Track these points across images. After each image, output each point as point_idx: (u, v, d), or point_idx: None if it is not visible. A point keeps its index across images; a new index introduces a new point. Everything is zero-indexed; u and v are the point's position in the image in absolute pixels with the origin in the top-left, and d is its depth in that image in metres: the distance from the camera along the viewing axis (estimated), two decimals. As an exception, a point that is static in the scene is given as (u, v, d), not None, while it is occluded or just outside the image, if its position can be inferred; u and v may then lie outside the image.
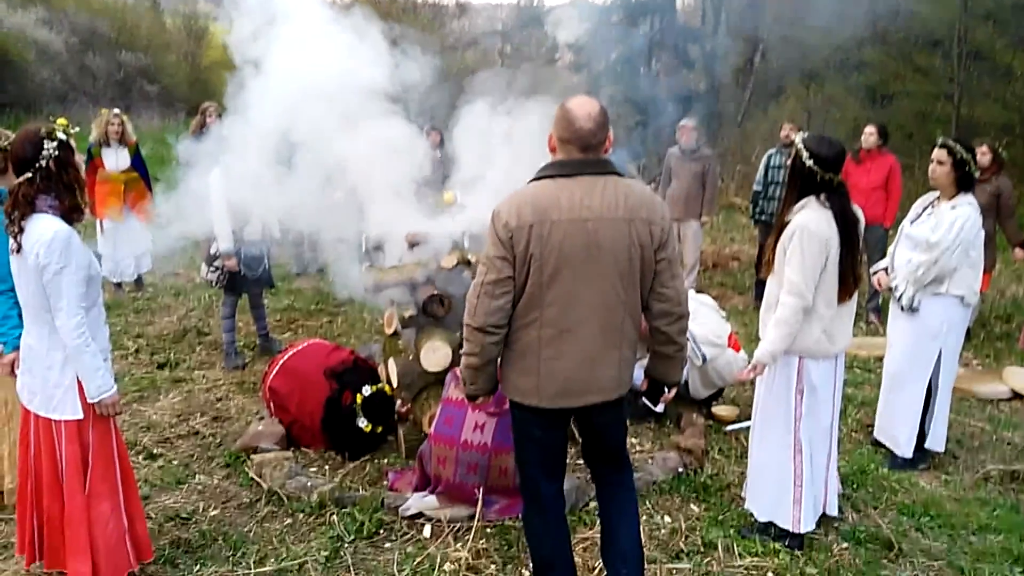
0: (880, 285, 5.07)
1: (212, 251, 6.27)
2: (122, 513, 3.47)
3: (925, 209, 4.92)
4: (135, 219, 8.22)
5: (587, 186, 2.88)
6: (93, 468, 3.36)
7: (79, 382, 3.29)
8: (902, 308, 4.82)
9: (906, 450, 4.90)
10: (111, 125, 8.08)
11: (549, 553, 3.30)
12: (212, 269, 6.27)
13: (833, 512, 4.15)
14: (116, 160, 8.09)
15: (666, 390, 3.34)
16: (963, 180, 4.70)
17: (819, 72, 21.27)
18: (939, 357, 4.82)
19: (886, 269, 5.04)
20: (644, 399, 3.50)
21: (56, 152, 3.23)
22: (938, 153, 4.74)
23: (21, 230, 3.20)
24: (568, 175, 2.90)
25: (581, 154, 2.91)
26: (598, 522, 4.11)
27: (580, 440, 3.42)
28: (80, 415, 3.31)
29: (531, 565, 3.46)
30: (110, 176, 8.04)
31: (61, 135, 3.28)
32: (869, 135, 7.85)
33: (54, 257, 3.13)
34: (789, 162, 4.00)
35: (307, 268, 9.61)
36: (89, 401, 3.29)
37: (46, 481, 3.37)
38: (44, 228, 3.18)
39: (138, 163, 8.25)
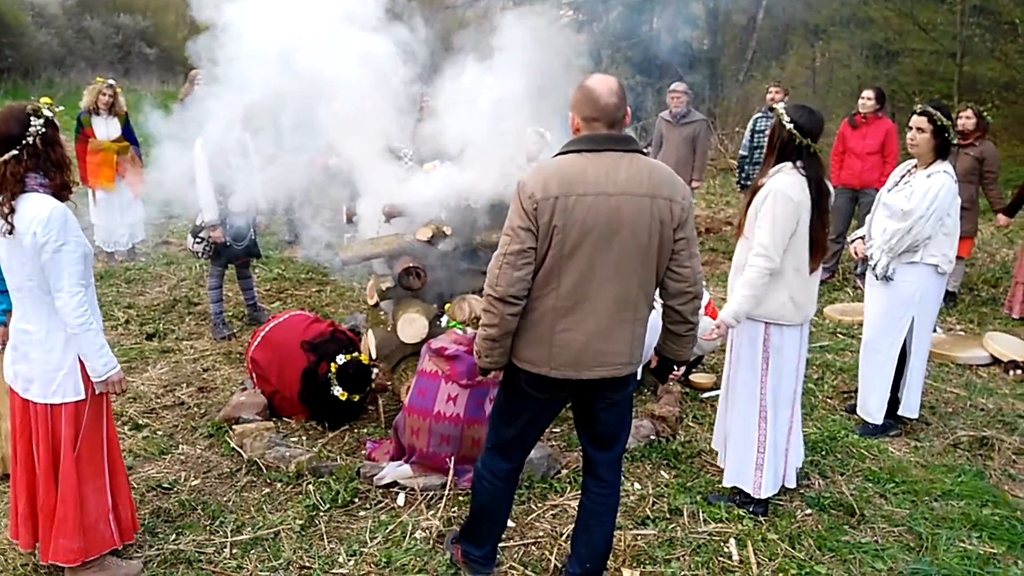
0: (857, 253, 5.10)
1: (197, 222, 6.32)
2: (107, 492, 3.51)
3: (903, 177, 4.93)
4: (127, 188, 8.28)
5: (613, 162, 2.91)
6: (81, 448, 3.38)
7: (80, 363, 3.30)
8: (876, 277, 4.86)
9: (876, 416, 4.97)
10: (103, 95, 8.09)
11: (489, 505, 3.42)
12: (197, 240, 6.32)
13: (791, 484, 4.21)
14: (107, 129, 8.13)
15: (675, 367, 3.37)
16: (942, 147, 4.71)
17: (823, 29, 21.01)
18: (912, 325, 4.86)
19: (863, 238, 5.07)
20: (652, 375, 3.55)
21: (43, 129, 3.19)
22: (917, 120, 4.74)
23: (12, 210, 3.13)
24: (595, 150, 2.93)
25: (607, 130, 2.96)
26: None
27: (575, 419, 3.38)
28: (82, 396, 3.32)
29: (469, 511, 3.55)
30: (101, 145, 8.08)
31: (47, 112, 3.25)
32: (867, 100, 7.81)
33: (52, 235, 3.09)
34: (769, 129, 4.05)
35: (299, 237, 9.65)
36: (95, 380, 3.30)
37: (43, 467, 3.36)
38: (39, 206, 3.12)
39: (128, 132, 8.28)
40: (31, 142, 3.18)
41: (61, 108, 3.46)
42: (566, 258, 2.89)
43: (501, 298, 2.91)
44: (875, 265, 4.85)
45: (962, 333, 7.03)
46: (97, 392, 3.40)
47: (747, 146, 8.49)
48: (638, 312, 3.05)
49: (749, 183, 8.27)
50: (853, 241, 5.16)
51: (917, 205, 4.63)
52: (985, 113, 7.26)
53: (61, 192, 3.26)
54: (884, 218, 4.88)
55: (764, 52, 21.49)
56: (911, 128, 4.78)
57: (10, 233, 3.15)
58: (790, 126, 3.88)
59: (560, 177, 2.87)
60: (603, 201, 2.86)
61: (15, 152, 3.17)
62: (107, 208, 8.34)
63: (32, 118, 3.20)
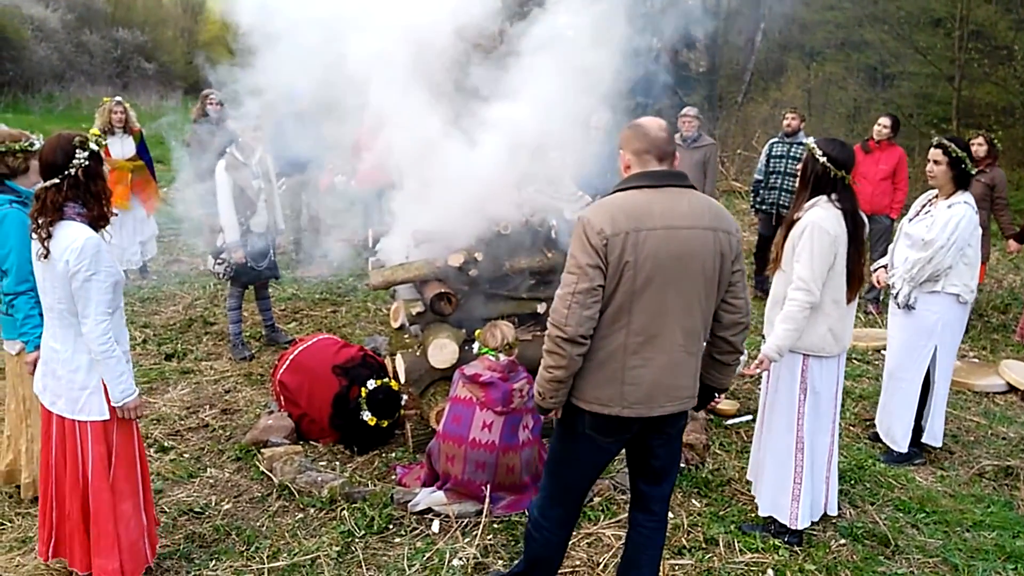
0: (879, 283, 5.15)
1: (218, 243, 6.33)
2: (142, 511, 3.57)
3: (924, 207, 4.99)
4: (140, 207, 8.27)
5: (674, 197, 2.93)
6: (116, 468, 3.45)
7: (104, 384, 3.37)
8: (898, 306, 4.91)
9: (902, 444, 5.01)
10: (114, 113, 8.08)
11: (545, 555, 3.37)
12: (218, 261, 6.33)
13: (833, 512, 4.25)
14: (121, 148, 8.13)
15: (716, 395, 3.36)
16: (960, 178, 4.78)
17: (820, 51, 21.25)
18: (935, 353, 4.91)
19: (885, 266, 5.13)
20: None
21: (87, 162, 3.27)
22: (933, 153, 4.82)
23: (49, 235, 3.24)
24: (655, 186, 2.95)
25: (659, 164, 2.98)
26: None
27: (628, 456, 3.36)
28: (106, 416, 3.39)
29: (523, 559, 3.50)
30: (116, 164, 8.06)
31: (93, 146, 3.32)
32: (883, 127, 7.87)
33: (84, 264, 3.19)
34: (801, 162, 4.10)
35: (307, 256, 9.67)
36: (113, 405, 3.38)
37: (69, 482, 3.45)
38: (74, 235, 3.22)
39: (143, 151, 8.28)
40: (73, 173, 3.26)
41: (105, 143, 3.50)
42: (637, 294, 2.87)
43: (571, 339, 2.85)
44: (897, 294, 4.91)
45: (976, 360, 7.09)
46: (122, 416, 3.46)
47: (762, 170, 8.53)
48: (700, 344, 3.08)
49: (764, 207, 8.38)
50: (876, 270, 5.22)
51: (938, 235, 4.69)
52: (995, 140, 7.36)
53: (97, 222, 3.36)
54: (905, 247, 4.94)
55: (761, 74, 21.71)
56: (928, 160, 4.86)
57: (45, 257, 3.25)
58: (824, 160, 3.92)
59: (627, 212, 2.86)
60: (672, 235, 2.86)
61: (56, 182, 3.25)
62: (120, 227, 8.29)
63: (78, 150, 3.27)
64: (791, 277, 3.93)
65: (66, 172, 3.24)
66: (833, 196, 3.93)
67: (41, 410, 3.56)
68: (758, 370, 4.03)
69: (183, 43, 29.77)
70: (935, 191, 4.94)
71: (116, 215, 3.59)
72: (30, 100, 20.98)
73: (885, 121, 7.89)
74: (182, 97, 24.74)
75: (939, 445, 5.10)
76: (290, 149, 8.32)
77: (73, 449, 3.42)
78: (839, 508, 4.35)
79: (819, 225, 3.85)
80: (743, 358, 5.48)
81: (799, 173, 4.11)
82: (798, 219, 3.99)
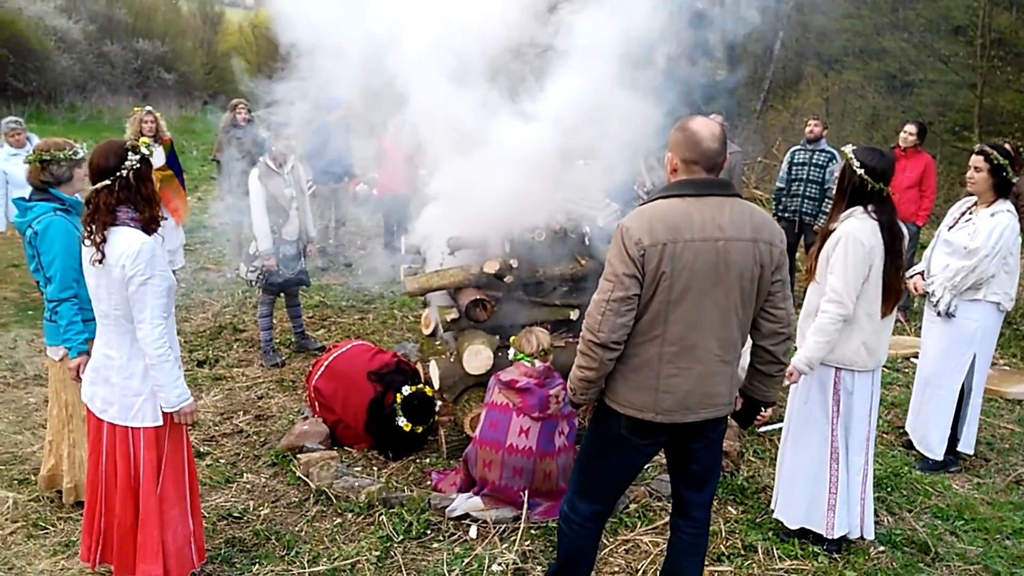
0: (917, 290, 5.12)
1: (251, 251, 6.39)
2: (189, 517, 3.60)
3: (964, 215, 4.95)
4: (170, 217, 8.34)
5: (716, 206, 2.89)
6: (166, 473, 3.48)
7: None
8: (938, 313, 4.89)
9: (938, 452, 4.99)
10: (145, 123, 8.12)
11: (578, 551, 3.37)
12: (251, 269, 6.38)
13: (869, 536, 4.12)
14: (152, 158, 8.17)
15: (762, 409, 3.34)
16: (1001, 185, 4.73)
17: (838, 59, 21.20)
18: (972, 362, 4.89)
19: (922, 273, 5.11)
20: (735, 419, 3.37)
21: (138, 165, 3.32)
22: (975, 159, 4.78)
23: (104, 239, 3.26)
24: (697, 195, 2.91)
25: (706, 174, 2.95)
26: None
27: (668, 461, 3.36)
28: (159, 422, 3.42)
29: (557, 558, 3.49)
30: (146, 174, 8.13)
31: (144, 151, 3.38)
32: (909, 135, 7.82)
33: (140, 268, 3.21)
34: (837, 173, 4.06)
35: (334, 264, 9.76)
36: (167, 410, 3.40)
37: (120, 488, 3.47)
38: (130, 240, 3.25)
39: (172, 161, 8.34)
40: (125, 175, 3.29)
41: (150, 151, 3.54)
42: (673, 304, 2.87)
43: (603, 344, 2.88)
44: (937, 302, 4.88)
45: (1007, 368, 7.05)
46: (177, 421, 3.48)
47: (784, 179, 8.50)
48: (736, 353, 3.06)
49: (787, 215, 8.36)
50: (912, 277, 5.19)
51: (983, 244, 4.66)
52: (1020, 148, 7.31)
53: (149, 226, 3.37)
54: (944, 255, 4.91)
55: (780, 82, 21.69)
56: (969, 167, 4.83)
57: (100, 262, 3.25)
58: (861, 171, 3.86)
59: (665, 222, 2.85)
60: (711, 246, 2.85)
61: (107, 183, 3.27)
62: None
63: (130, 153, 3.32)
64: (824, 289, 3.90)
65: (117, 174, 3.27)
66: (870, 207, 3.87)
67: (88, 418, 3.57)
68: (787, 382, 3.98)
69: (202, 53, 30.09)
70: (972, 198, 4.91)
71: (166, 219, 3.60)
72: (53, 110, 21.24)
73: (911, 128, 7.85)
74: (201, 107, 24.99)
75: (972, 453, 5.07)
76: (323, 158, 8.43)
77: (125, 456, 3.44)
78: (877, 515, 4.33)
79: (854, 236, 3.80)
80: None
81: (836, 183, 4.07)
82: (833, 230, 3.95)
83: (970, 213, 4.90)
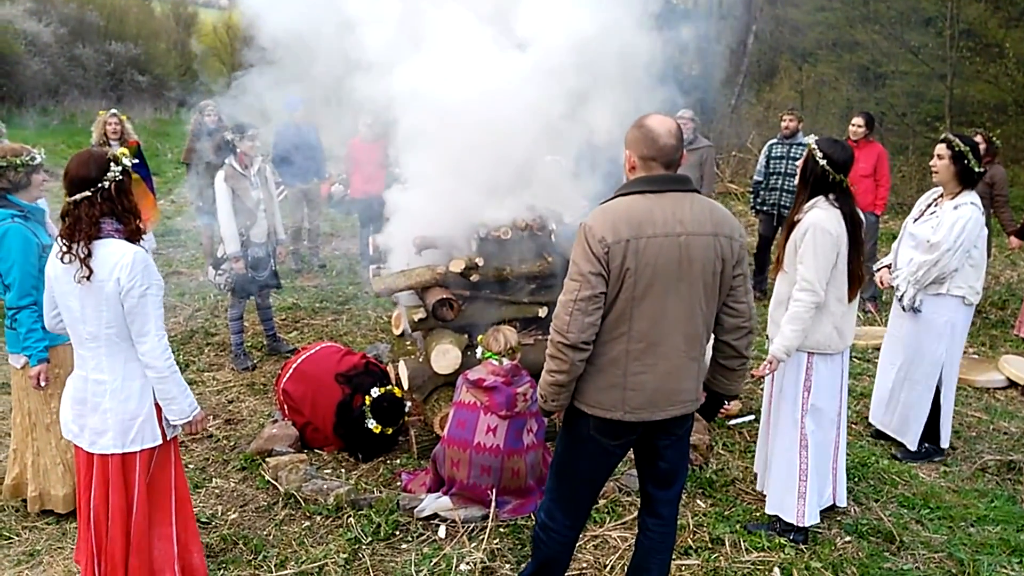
0: (883, 283, 5.15)
1: (219, 254, 6.34)
2: (173, 540, 3.46)
3: (929, 207, 4.97)
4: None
5: (676, 201, 2.91)
6: (149, 492, 3.37)
7: (157, 408, 3.27)
8: (903, 308, 4.92)
9: (914, 444, 5.04)
10: (109, 125, 8.01)
11: (553, 557, 3.36)
12: (219, 272, 6.33)
13: (842, 503, 4.28)
14: (120, 162, 8.10)
15: (726, 403, 3.35)
16: (964, 175, 4.73)
17: (812, 52, 21.32)
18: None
19: (889, 266, 5.13)
20: (699, 413, 3.35)
21: (120, 177, 3.18)
22: (938, 147, 4.80)
23: (89, 254, 3.06)
24: (657, 191, 2.93)
25: (664, 170, 2.96)
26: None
27: (636, 460, 3.36)
28: (159, 441, 3.31)
29: (531, 563, 3.47)
30: (112, 178, 8.05)
31: (126, 162, 3.24)
32: (858, 127, 7.94)
33: (137, 279, 3.07)
34: (800, 162, 4.12)
35: (307, 266, 9.71)
36: (178, 422, 3.30)
37: (115, 520, 3.32)
38: (121, 251, 3.10)
39: (140, 164, 8.23)
40: (107, 187, 3.14)
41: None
42: (638, 300, 2.87)
43: (573, 345, 2.87)
44: (901, 296, 4.92)
45: (976, 356, 7.12)
46: (176, 434, 3.41)
47: (762, 172, 8.57)
48: (701, 348, 3.07)
49: (764, 208, 8.42)
50: (879, 270, 5.22)
51: (944, 237, 4.68)
52: (993, 138, 7.39)
53: (134, 237, 3.22)
54: (910, 248, 4.93)
55: (754, 76, 21.78)
56: (933, 155, 4.85)
57: (88, 279, 3.07)
58: (823, 162, 3.93)
59: (628, 219, 2.86)
60: (673, 241, 2.86)
61: (88, 194, 3.11)
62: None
63: (112, 164, 3.18)
64: (794, 278, 3.96)
65: (99, 185, 3.11)
66: (831, 197, 3.97)
67: (77, 454, 3.38)
68: (767, 371, 4.05)
69: (176, 55, 29.83)
70: (939, 189, 4.93)
71: (147, 232, 3.47)
72: (24, 114, 20.96)
73: (859, 120, 7.99)
74: (176, 110, 24.77)
75: (946, 446, 5.11)
76: (291, 159, 8.38)
77: (119, 485, 3.28)
78: (845, 505, 4.37)
79: (821, 226, 3.88)
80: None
81: (798, 172, 4.13)
82: (799, 220, 4.01)
83: (935, 205, 4.92)
